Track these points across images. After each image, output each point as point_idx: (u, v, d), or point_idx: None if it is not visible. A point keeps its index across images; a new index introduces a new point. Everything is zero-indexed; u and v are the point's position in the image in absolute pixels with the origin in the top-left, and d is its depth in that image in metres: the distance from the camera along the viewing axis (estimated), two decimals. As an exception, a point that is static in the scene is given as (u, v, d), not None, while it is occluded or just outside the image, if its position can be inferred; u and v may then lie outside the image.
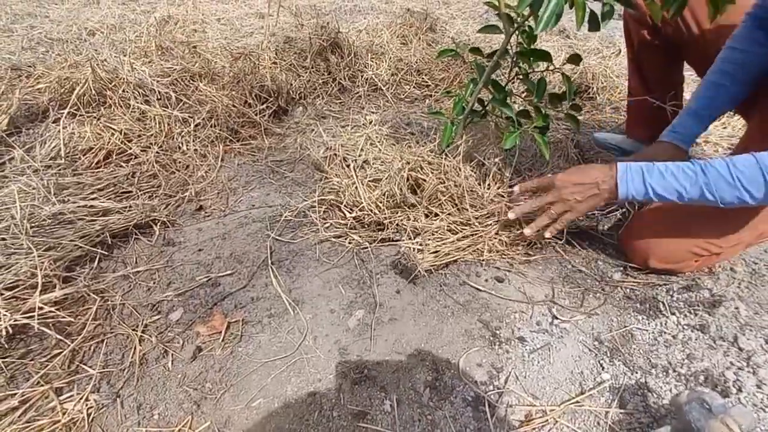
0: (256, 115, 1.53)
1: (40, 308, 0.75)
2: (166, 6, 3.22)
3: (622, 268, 0.96)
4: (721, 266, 0.96)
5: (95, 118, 1.22)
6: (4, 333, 0.71)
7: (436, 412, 0.69)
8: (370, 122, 1.57)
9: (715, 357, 0.75)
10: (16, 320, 0.73)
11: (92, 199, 1.02)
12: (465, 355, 0.78)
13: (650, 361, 0.76)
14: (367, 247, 1.02)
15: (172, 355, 0.78)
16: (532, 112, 0.97)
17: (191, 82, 1.51)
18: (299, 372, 0.76)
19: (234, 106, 1.49)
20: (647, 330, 0.82)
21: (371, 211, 1.03)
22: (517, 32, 0.86)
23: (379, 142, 1.33)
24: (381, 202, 1.04)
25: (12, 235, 0.84)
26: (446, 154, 1.06)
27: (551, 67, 0.97)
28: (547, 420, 0.67)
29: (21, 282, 0.80)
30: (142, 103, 1.31)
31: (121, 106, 1.27)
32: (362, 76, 1.82)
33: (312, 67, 1.83)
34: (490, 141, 1.10)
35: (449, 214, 0.97)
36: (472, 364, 0.77)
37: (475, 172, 1.06)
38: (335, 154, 1.32)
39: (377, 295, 0.90)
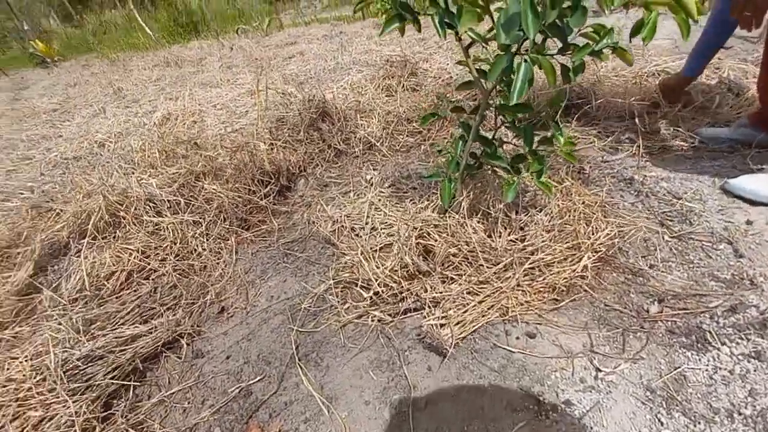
0: (261, 199, 1.58)
1: (84, 460, 0.76)
2: (165, 102, 3.44)
3: (656, 299, 0.91)
4: (763, 275, 0.90)
5: (113, 240, 1.28)
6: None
7: None
8: (370, 182, 1.59)
9: (782, 390, 0.69)
10: (63, 478, 0.74)
11: (120, 326, 1.05)
12: (512, 432, 0.74)
13: (711, 405, 0.71)
14: (390, 322, 1.01)
15: (217, 484, 0.77)
16: (527, 155, 0.97)
17: (196, 182, 1.58)
18: (345, 481, 0.74)
19: (239, 196, 1.54)
20: (700, 368, 0.76)
21: (387, 285, 1.02)
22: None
23: (383, 205, 1.35)
24: (395, 274, 1.04)
25: (49, 387, 0.87)
26: (450, 212, 1.06)
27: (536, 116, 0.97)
28: (615, 500, 0.62)
29: (63, 433, 0.81)
30: (154, 216, 1.37)
31: (134, 224, 1.34)
32: (355, 137, 1.87)
33: (306, 139, 1.89)
34: (491, 189, 1.10)
35: (466, 276, 0.95)
36: (521, 443, 0.73)
37: (482, 224, 1.04)
38: (342, 226, 1.34)
39: (409, 377, 0.88)
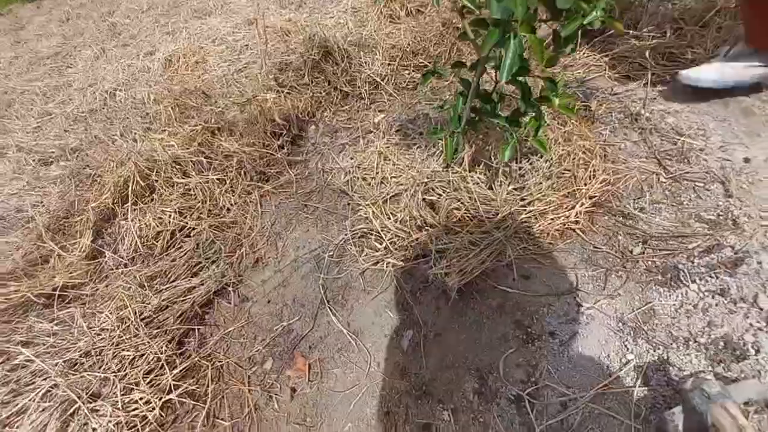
0: (275, 152, 1.66)
1: (176, 385, 1.01)
2: (163, 39, 3.32)
3: (641, 241, 1.01)
4: (747, 214, 0.97)
5: (151, 203, 1.43)
6: (157, 412, 0.97)
7: (486, 414, 0.85)
8: (378, 126, 1.63)
9: (734, 321, 0.81)
10: (162, 398, 0.99)
11: (176, 280, 1.25)
12: (503, 358, 0.92)
13: (672, 334, 0.85)
14: (402, 268, 1.16)
15: (276, 398, 1.01)
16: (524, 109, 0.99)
17: (213, 138, 1.66)
18: (373, 395, 0.95)
19: (255, 151, 1.62)
20: (668, 303, 0.89)
21: (398, 236, 1.15)
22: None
23: (391, 154, 1.41)
24: (405, 225, 1.16)
25: (134, 333, 1.09)
26: (452, 165, 1.13)
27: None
28: (581, 408, 0.80)
29: (153, 367, 1.05)
30: (181, 178, 1.49)
31: (166, 187, 1.47)
32: (360, 77, 1.84)
33: (311, 83, 1.88)
34: (493, 140, 1.14)
35: (468, 228, 1.06)
36: (511, 366, 0.91)
37: (484, 174, 1.12)
38: (355, 177, 1.43)
39: (420, 315, 1.05)
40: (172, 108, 1.96)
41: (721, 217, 0.98)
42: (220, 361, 1.11)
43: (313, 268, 1.27)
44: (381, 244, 1.17)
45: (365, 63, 1.87)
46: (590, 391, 0.82)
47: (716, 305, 0.85)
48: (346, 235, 1.28)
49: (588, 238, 1.06)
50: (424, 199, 1.11)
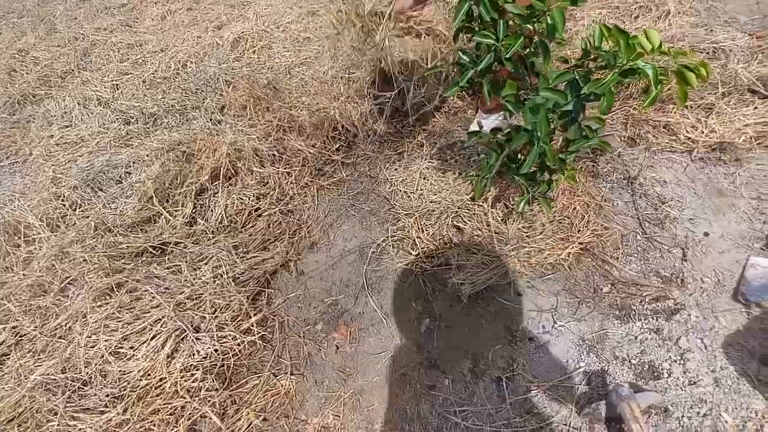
0: (333, 154, 2.00)
1: (251, 330, 1.40)
2: (230, 19, 3.55)
3: (610, 283, 1.34)
4: (693, 277, 1.29)
5: (234, 186, 1.79)
6: (241, 345, 1.36)
7: (474, 386, 1.22)
8: (422, 144, 1.95)
9: (659, 352, 1.16)
10: (244, 338, 1.39)
11: (252, 251, 1.63)
12: (492, 350, 1.28)
13: (614, 354, 1.19)
14: (427, 271, 1.51)
15: (323, 351, 1.40)
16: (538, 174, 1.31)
17: (284, 136, 2.00)
18: (395, 360, 1.33)
19: (318, 151, 1.96)
20: (618, 332, 1.23)
21: (428, 246, 1.50)
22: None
23: (429, 175, 1.74)
24: (434, 239, 1.50)
25: (224, 286, 1.48)
26: (478, 201, 1.46)
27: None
28: (540, 392, 1.17)
29: (237, 314, 1.44)
30: (259, 168, 1.85)
31: (248, 173, 1.83)
32: (408, 99, 2.14)
33: (369, 95, 2.19)
34: (513, 187, 1.46)
35: (483, 252, 1.41)
36: (497, 357, 1.27)
37: (501, 211, 1.45)
38: (397, 189, 1.77)
39: (436, 309, 1.41)
40: (246, 99, 2.28)
41: (673, 276, 1.31)
42: (282, 318, 1.50)
43: (357, 258, 1.63)
44: (414, 251, 1.53)
45: (417, 86, 2.17)
46: (549, 383, 1.18)
47: (650, 339, 1.19)
48: (387, 237, 1.63)
49: (572, 273, 1.40)
50: (453, 223, 1.45)
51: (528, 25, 0.88)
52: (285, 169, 1.89)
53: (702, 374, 1.09)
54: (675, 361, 1.13)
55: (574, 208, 1.46)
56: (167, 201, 1.74)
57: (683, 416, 1.04)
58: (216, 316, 1.42)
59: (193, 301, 1.46)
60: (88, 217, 1.74)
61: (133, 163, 2.14)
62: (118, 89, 3.04)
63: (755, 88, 1.65)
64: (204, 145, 1.82)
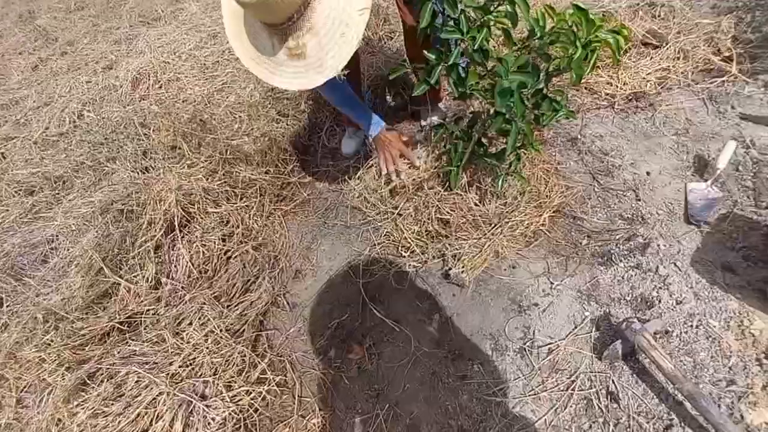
0: (289, 176, 1.93)
1: (264, 379, 1.30)
2: (120, 55, 3.20)
3: (586, 235, 1.48)
4: (650, 212, 1.47)
5: (194, 232, 1.64)
6: (258, 398, 1.26)
7: (502, 362, 1.27)
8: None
9: (645, 284, 1.30)
10: (260, 391, 1.28)
11: (236, 296, 1.51)
12: (506, 324, 1.34)
13: (610, 296, 1.32)
14: (421, 268, 1.53)
15: (344, 376, 1.35)
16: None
17: (231, 168, 1.87)
18: (419, 363, 1.33)
19: (273, 177, 1.87)
20: (606, 277, 1.36)
21: (417, 245, 1.52)
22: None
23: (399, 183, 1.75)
24: (421, 236, 1.53)
25: (219, 342, 1.35)
26: (456, 191, 1.51)
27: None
28: (560, 349, 1.25)
29: (242, 367, 1.33)
30: (215, 207, 1.71)
31: (203, 217, 1.68)
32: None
33: (307, 109, 2.14)
34: (482, 168, 1.54)
35: (473, 237, 1.46)
36: (512, 329, 1.33)
37: (477, 194, 1.52)
38: (366, 197, 1.75)
39: (442, 302, 1.44)
40: (173, 139, 2.08)
41: (634, 216, 1.48)
42: (290, 357, 1.42)
43: (349, 273, 1.59)
44: (405, 252, 1.53)
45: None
46: (565, 339, 1.27)
47: (635, 276, 1.33)
48: (373, 245, 1.61)
49: (552, 235, 1.51)
50: (437, 217, 1.48)
51: (488, 15, 0.93)
52: (243, 203, 1.78)
53: (684, 292, 1.25)
54: (660, 288, 1.28)
55: (537, 177, 1.57)
56: (120, 268, 1.54)
57: (681, 333, 1.19)
58: (219, 377, 1.29)
59: (188, 368, 1.32)
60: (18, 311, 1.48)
61: (57, 236, 1.86)
62: (5, 158, 2.61)
63: (647, 41, 1.92)
64: (147, 197, 1.63)
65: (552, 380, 1.20)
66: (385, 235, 1.61)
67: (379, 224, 1.65)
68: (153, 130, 2.19)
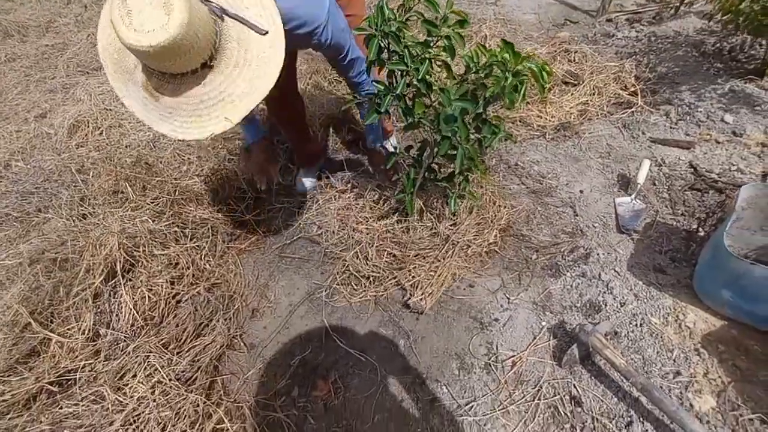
0: (243, 214, 1.89)
1: (221, 429, 1.19)
2: (55, 103, 3.08)
3: (535, 250, 1.57)
4: (587, 225, 1.61)
5: (138, 276, 1.53)
6: (216, 452, 1.14)
7: (468, 380, 1.27)
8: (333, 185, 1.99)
9: (592, 291, 1.39)
10: (214, 442, 1.17)
11: (187, 342, 1.40)
12: (470, 342, 1.36)
13: (562, 305, 1.39)
14: (382, 295, 1.53)
15: (311, 415, 1.27)
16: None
17: (181, 208, 1.80)
18: (388, 393, 1.29)
19: (226, 216, 1.83)
20: (557, 287, 1.44)
21: (375, 274, 1.53)
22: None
23: (352, 206, 1.78)
24: (379, 265, 1.54)
25: (168, 393, 1.23)
26: (409, 218, 1.56)
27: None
28: (523, 360, 1.28)
29: (195, 419, 1.21)
30: (162, 249, 1.62)
31: (149, 260, 1.58)
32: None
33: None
34: (434, 192, 1.61)
35: (429, 261, 1.50)
36: (476, 345, 1.35)
37: (430, 219, 1.58)
38: (326, 229, 1.76)
39: (405, 327, 1.43)
40: (114, 183, 1.98)
41: (574, 229, 1.60)
42: (249, 402, 1.32)
43: (309, 308, 1.55)
44: (365, 282, 1.53)
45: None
46: (526, 350, 1.30)
47: (581, 283, 1.43)
48: (334, 276, 1.59)
49: (504, 253, 1.59)
50: (391, 243, 1.51)
51: (429, 49, 1.04)
52: (193, 243, 1.70)
53: (625, 295, 1.35)
54: (605, 293, 1.37)
55: (486, 199, 1.67)
56: (52, 321, 1.38)
57: (627, 332, 1.27)
58: (169, 432, 1.17)
59: (131, 427, 1.18)
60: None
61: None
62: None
63: (566, 80, 2.19)
64: (85, 243, 1.52)
65: (518, 392, 1.21)
66: (344, 266, 1.60)
67: (337, 256, 1.64)
68: (92, 176, 2.08)
